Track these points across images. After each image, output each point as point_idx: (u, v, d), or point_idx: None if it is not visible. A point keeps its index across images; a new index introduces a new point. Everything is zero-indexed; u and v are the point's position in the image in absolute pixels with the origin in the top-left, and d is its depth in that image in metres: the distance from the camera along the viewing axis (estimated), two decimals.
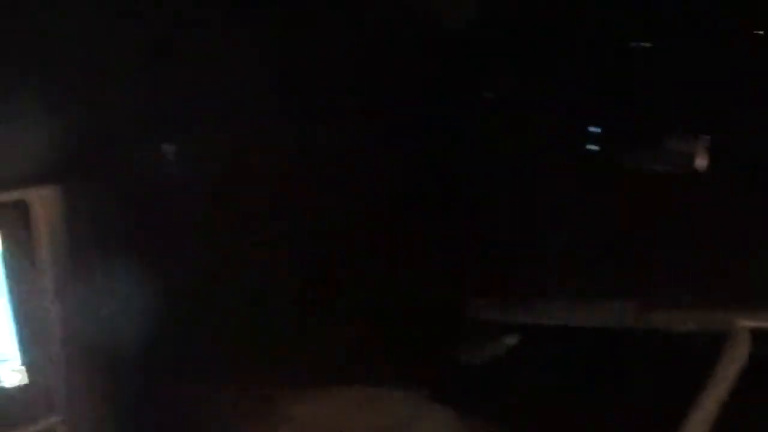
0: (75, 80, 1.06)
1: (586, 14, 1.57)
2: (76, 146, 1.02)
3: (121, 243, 1.08)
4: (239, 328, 1.33)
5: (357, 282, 1.47)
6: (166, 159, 1.14)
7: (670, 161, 1.47)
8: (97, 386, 1.08)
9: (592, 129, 1.57)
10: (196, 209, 1.17)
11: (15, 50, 0.99)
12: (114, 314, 1.09)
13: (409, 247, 1.53)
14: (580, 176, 1.57)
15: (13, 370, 1.01)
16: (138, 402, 1.13)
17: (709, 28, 1.48)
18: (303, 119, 1.33)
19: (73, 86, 1.05)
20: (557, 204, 1.58)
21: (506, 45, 1.55)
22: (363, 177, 1.41)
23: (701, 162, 1.44)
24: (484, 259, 1.60)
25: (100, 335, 1.07)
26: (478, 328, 1.58)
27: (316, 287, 1.42)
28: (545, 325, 1.48)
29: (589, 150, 1.57)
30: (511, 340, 1.55)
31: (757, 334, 1.23)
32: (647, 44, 1.57)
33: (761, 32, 1.46)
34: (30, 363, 1.02)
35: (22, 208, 0.99)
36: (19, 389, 1.02)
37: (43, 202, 1.00)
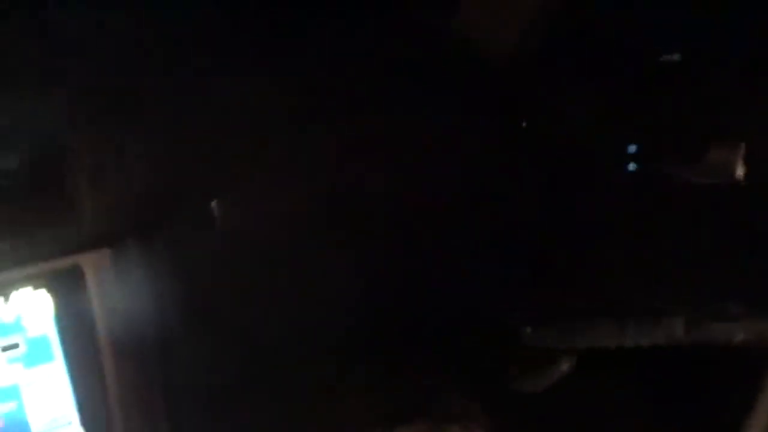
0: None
1: (616, 31, 1.58)
2: (130, 210, 1.04)
3: (175, 305, 1.09)
4: (301, 377, 1.35)
5: (411, 315, 1.48)
6: (218, 217, 1.15)
7: (711, 173, 1.46)
8: None
9: (631, 146, 1.56)
10: (249, 267, 1.17)
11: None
12: (170, 374, 1.10)
13: (459, 279, 1.54)
14: (622, 194, 1.57)
15: None
16: None
17: (740, 37, 1.47)
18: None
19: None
20: (600, 223, 1.57)
21: (540, 71, 1.56)
22: (410, 209, 1.41)
23: (743, 171, 1.43)
24: (532, 286, 1.60)
25: (156, 396, 1.09)
26: (531, 356, 1.58)
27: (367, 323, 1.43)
28: (596, 348, 1.47)
29: (630, 168, 1.57)
30: (564, 366, 1.54)
31: None
32: (678, 56, 1.56)
33: None
34: (89, 425, 1.04)
35: (76, 273, 1.00)
36: None
37: (97, 267, 1.01)
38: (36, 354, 1.01)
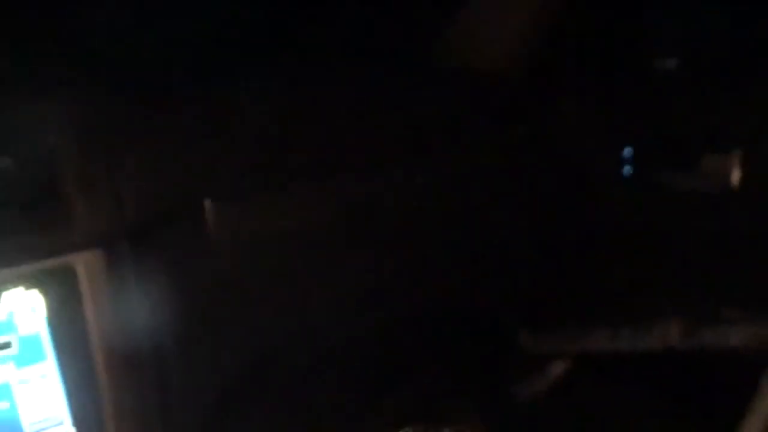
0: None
1: (613, 37, 1.58)
2: (123, 211, 1.04)
3: (167, 307, 1.09)
4: (297, 382, 1.35)
5: (407, 319, 1.48)
6: (212, 219, 1.14)
7: (707, 179, 1.46)
8: None
9: (627, 152, 1.57)
10: (244, 270, 1.17)
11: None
12: (163, 375, 1.10)
13: (456, 284, 1.54)
14: (618, 200, 1.57)
15: None
16: None
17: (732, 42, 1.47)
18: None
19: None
20: (596, 228, 1.57)
21: (538, 78, 1.56)
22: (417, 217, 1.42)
23: (738, 178, 1.43)
24: (529, 291, 1.60)
25: (149, 396, 1.09)
26: (527, 360, 1.58)
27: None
28: (592, 353, 1.47)
29: (626, 173, 1.57)
30: (560, 370, 1.55)
31: None
32: (673, 63, 1.57)
33: None
34: (81, 425, 1.04)
35: (68, 274, 1.00)
36: None
37: (90, 267, 1.01)
38: (28, 353, 1.01)
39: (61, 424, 1.04)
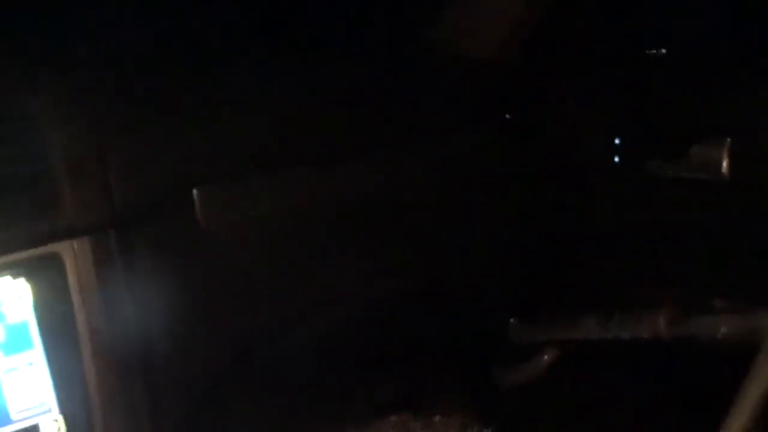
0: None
1: (604, 26, 1.58)
2: (110, 199, 1.03)
3: (155, 295, 1.09)
4: (286, 372, 1.35)
5: (397, 309, 1.48)
6: (200, 208, 1.14)
7: (696, 168, 1.46)
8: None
9: (617, 141, 1.56)
10: (233, 260, 1.17)
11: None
12: (150, 363, 1.10)
13: (445, 274, 1.54)
14: (607, 189, 1.57)
15: (53, 420, 1.04)
16: None
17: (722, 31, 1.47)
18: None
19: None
20: (586, 216, 1.57)
21: (528, 67, 1.56)
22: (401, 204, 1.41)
23: (728, 166, 1.43)
24: (517, 280, 1.60)
25: (136, 384, 1.09)
26: (516, 349, 1.59)
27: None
28: (579, 341, 1.47)
29: (616, 163, 1.57)
30: (548, 359, 1.55)
31: None
32: (664, 51, 1.56)
33: None
34: (67, 412, 1.04)
35: (55, 262, 1.00)
36: None
37: (77, 256, 1.01)
38: (15, 341, 1.01)
39: (48, 411, 1.04)
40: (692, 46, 1.52)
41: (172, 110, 1.14)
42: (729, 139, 1.40)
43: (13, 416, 1.02)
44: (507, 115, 1.56)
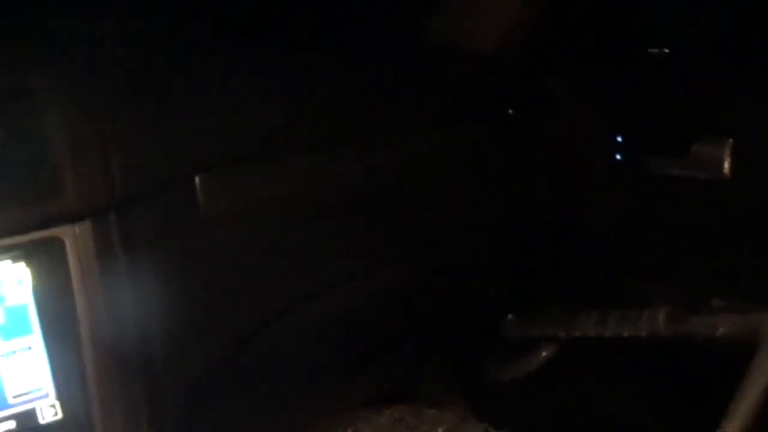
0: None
1: (605, 24, 1.58)
2: (111, 183, 1.03)
3: (155, 280, 1.08)
4: (283, 366, 1.34)
5: (393, 303, 1.48)
6: (201, 192, 1.13)
7: (697, 167, 1.46)
8: (132, 419, 1.09)
9: (617, 139, 1.57)
10: (233, 250, 1.16)
11: None
12: (149, 351, 1.09)
13: (442, 268, 1.54)
14: (606, 187, 1.57)
15: (50, 405, 1.04)
16: None
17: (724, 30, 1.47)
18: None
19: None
20: (584, 213, 1.58)
21: (529, 64, 1.56)
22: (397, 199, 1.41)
23: (729, 166, 1.43)
24: (514, 275, 1.60)
25: (135, 371, 1.08)
26: (510, 345, 1.59)
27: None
28: (577, 338, 1.47)
29: (616, 161, 1.57)
30: (544, 355, 1.55)
31: None
32: (666, 50, 1.56)
33: None
34: (65, 398, 1.03)
35: (55, 246, 0.99)
36: (56, 423, 1.03)
37: (77, 240, 1.00)
38: (14, 326, 1.00)
39: (45, 396, 1.03)
40: (693, 45, 1.52)
41: (174, 95, 1.14)
42: (730, 138, 1.41)
43: (10, 400, 1.01)
44: (509, 116, 1.56)
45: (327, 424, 1.47)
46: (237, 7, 1.40)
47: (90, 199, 1.01)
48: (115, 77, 1.07)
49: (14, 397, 1.01)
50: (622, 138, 1.53)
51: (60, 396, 1.04)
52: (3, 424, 1.01)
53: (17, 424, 1.02)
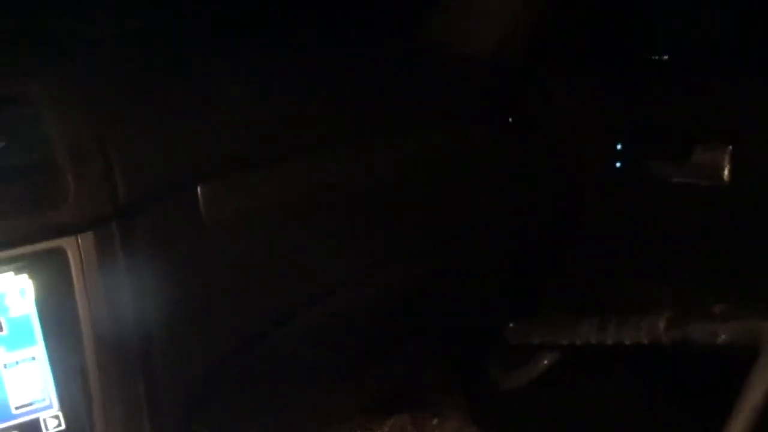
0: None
1: (606, 24, 1.58)
2: (114, 193, 1.02)
3: (158, 290, 1.08)
4: (285, 370, 1.34)
5: (394, 310, 1.48)
6: (204, 203, 1.13)
7: (698, 172, 1.46)
8: (134, 430, 1.09)
9: (618, 145, 1.57)
10: (236, 255, 1.16)
11: None
12: (152, 360, 1.09)
13: (443, 275, 1.54)
14: (607, 193, 1.57)
15: (53, 416, 1.04)
16: None
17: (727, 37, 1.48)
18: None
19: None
20: (584, 214, 1.58)
21: (529, 66, 1.56)
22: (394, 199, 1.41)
23: (729, 171, 1.43)
24: (514, 276, 1.60)
25: (137, 380, 1.08)
26: (514, 352, 1.58)
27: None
28: (579, 345, 1.47)
29: (617, 166, 1.57)
30: (545, 361, 1.55)
31: None
32: (666, 56, 1.57)
33: None
34: (68, 408, 1.03)
35: (58, 257, 0.99)
36: None
37: (80, 251, 1.00)
38: (18, 337, 1.00)
39: (49, 407, 1.03)
40: (693, 47, 1.52)
41: (175, 97, 1.14)
42: (730, 143, 1.41)
43: (14, 411, 1.01)
44: (509, 117, 1.56)
45: None
46: (237, 7, 1.40)
47: (92, 209, 1.01)
48: (115, 79, 1.07)
49: (17, 408, 1.01)
50: (623, 143, 1.53)
51: (63, 407, 1.04)
52: None
53: None
